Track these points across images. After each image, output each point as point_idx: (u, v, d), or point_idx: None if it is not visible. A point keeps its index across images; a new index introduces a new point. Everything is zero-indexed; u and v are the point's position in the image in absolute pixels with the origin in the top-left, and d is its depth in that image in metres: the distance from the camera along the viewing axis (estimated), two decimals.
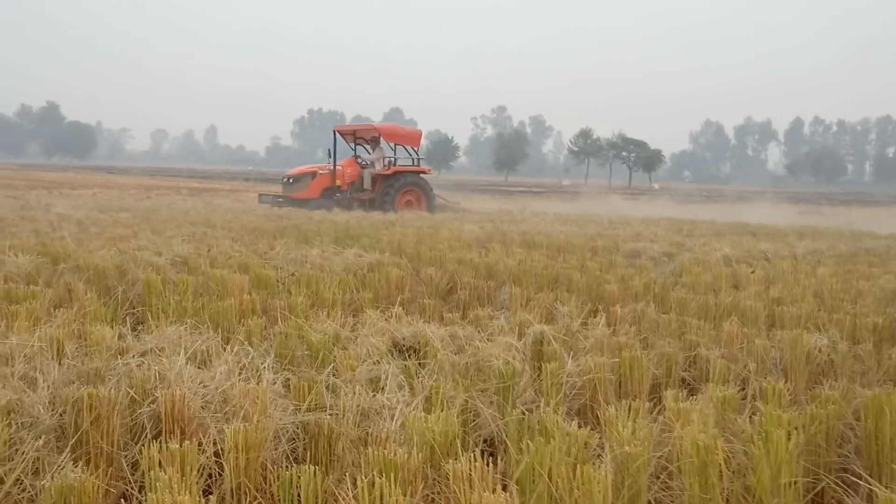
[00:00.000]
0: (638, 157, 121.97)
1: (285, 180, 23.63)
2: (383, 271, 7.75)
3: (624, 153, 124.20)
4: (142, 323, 5.84)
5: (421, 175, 23.75)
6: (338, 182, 22.70)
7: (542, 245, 11.79)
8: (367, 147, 24.25)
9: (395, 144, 23.89)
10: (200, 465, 3.07)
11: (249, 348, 4.51)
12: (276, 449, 3.43)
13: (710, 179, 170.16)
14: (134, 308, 6.35)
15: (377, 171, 23.23)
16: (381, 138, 23.81)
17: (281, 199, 22.59)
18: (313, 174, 22.87)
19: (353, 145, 24.53)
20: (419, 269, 8.65)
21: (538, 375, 4.41)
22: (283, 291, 6.88)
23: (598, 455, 3.14)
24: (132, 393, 3.68)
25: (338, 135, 24.04)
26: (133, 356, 4.35)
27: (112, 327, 5.04)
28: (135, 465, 3.38)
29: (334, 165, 22.83)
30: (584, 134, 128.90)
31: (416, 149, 24.25)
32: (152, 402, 3.62)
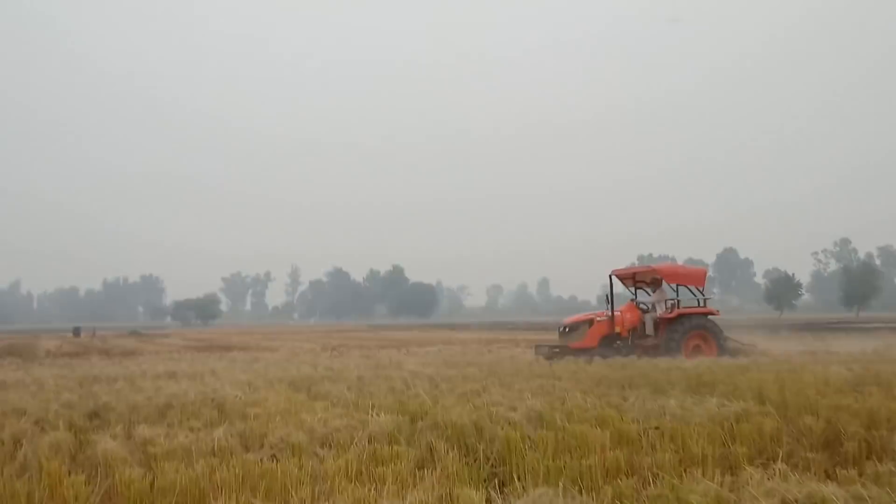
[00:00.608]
0: None
1: (562, 329, 22.44)
2: (753, 421, 6.99)
3: None
4: (505, 484, 5.61)
5: (708, 317, 21.90)
6: (617, 329, 21.44)
7: None
8: (648, 290, 23.07)
9: (678, 285, 22.57)
10: None
11: None
12: None
13: None
14: (494, 467, 6.16)
15: (660, 315, 21.85)
16: (662, 280, 22.45)
17: (557, 350, 21.51)
18: (590, 321, 21.71)
19: (632, 289, 23.45)
20: (791, 417, 7.74)
21: None
22: (646, 447, 6.37)
23: None
24: None
25: (615, 279, 22.87)
26: None
27: (478, 490, 4.82)
28: None
29: (612, 311, 21.64)
30: None
31: (700, 288, 22.68)
32: None
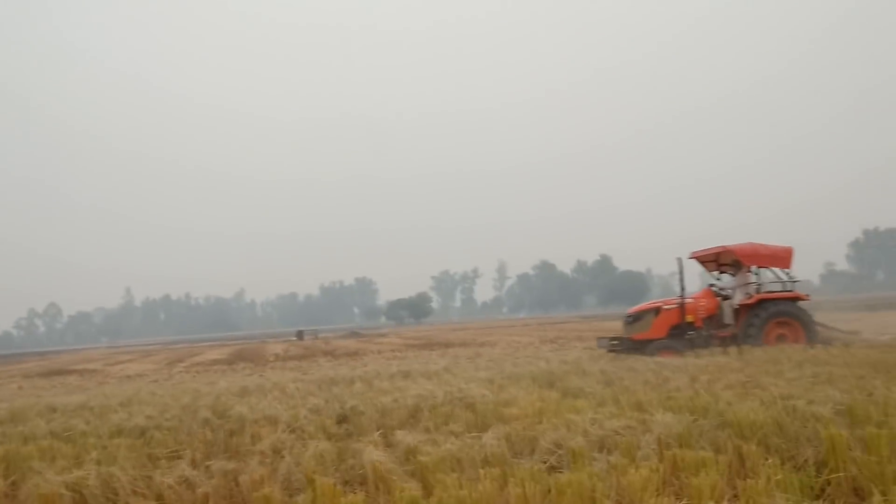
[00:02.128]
0: None
1: (627, 319, 20.41)
2: None
3: None
4: (859, 499, 4.63)
5: (796, 302, 19.20)
6: (689, 318, 19.27)
7: None
8: (732, 273, 20.58)
9: (758, 267, 19.91)
10: None
11: None
12: None
13: None
14: (819, 474, 5.16)
15: (739, 302, 19.51)
16: (741, 262, 19.90)
17: (616, 342, 19.84)
18: (657, 310, 19.67)
19: (716, 273, 21.04)
20: None
21: None
22: None
23: None
24: None
25: (697, 262, 20.86)
26: None
27: None
28: None
29: (682, 298, 19.51)
30: None
31: (786, 270, 19.83)
32: None
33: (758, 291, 19.52)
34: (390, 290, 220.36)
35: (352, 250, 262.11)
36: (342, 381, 14.88)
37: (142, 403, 12.78)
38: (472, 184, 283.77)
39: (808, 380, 9.75)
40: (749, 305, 19.12)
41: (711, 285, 20.51)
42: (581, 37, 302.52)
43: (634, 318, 19.93)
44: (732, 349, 16.80)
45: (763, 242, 20.08)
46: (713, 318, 19.58)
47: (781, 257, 19.99)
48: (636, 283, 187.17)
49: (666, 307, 19.66)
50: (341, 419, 9.14)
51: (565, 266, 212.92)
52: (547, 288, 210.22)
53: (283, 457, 6.63)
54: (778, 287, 19.61)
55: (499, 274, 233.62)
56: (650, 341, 18.92)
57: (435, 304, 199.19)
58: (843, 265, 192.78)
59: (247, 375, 23.84)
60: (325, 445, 6.76)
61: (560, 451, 6.06)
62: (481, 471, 5.25)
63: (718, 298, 19.93)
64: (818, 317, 19.85)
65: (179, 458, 7.20)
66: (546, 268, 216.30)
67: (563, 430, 6.63)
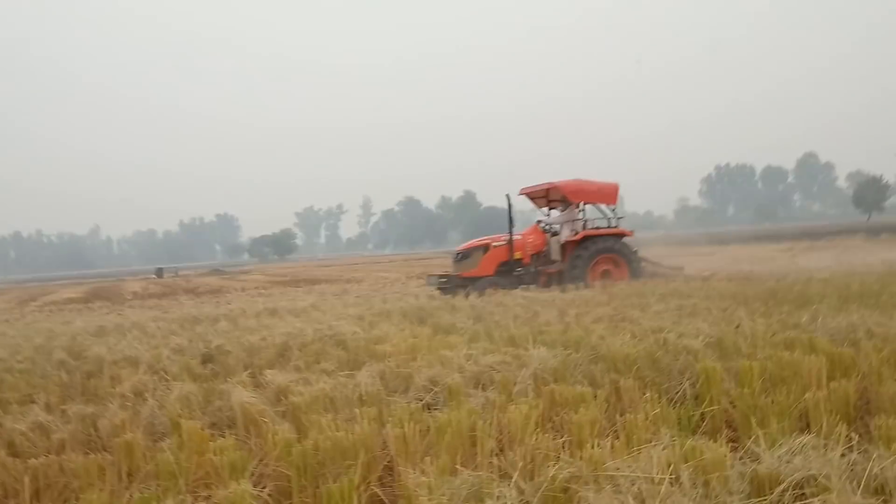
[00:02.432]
0: None
1: (456, 257, 20.07)
2: None
3: None
4: (733, 431, 4.70)
5: (621, 238, 19.32)
6: (517, 254, 19.36)
7: None
8: (561, 210, 20.66)
9: (584, 203, 19.96)
10: None
11: None
12: None
13: None
14: (696, 407, 5.23)
15: (565, 238, 19.60)
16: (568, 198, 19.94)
17: (444, 280, 19.67)
18: (485, 247, 19.58)
19: (546, 210, 21.06)
20: None
21: None
22: (871, 374, 5.37)
23: None
24: None
25: (526, 198, 21.12)
26: (787, 489, 3.18)
27: (715, 441, 3.90)
28: None
29: (511, 235, 19.54)
30: None
31: (612, 207, 20.02)
32: None
33: (584, 228, 19.58)
34: (253, 226, 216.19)
35: (213, 184, 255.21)
36: (206, 320, 14.37)
37: None
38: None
39: (673, 313, 10.00)
40: (575, 242, 19.18)
41: (539, 221, 20.46)
42: None
43: (463, 256, 19.72)
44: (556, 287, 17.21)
45: (589, 179, 20.04)
46: (541, 255, 19.67)
47: (607, 193, 20.03)
48: (500, 218, 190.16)
49: (495, 244, 19.58)
50: (206, 359, 8.76)
51: (430, 202, 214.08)
52: (412, 224, 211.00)
53: (145, 399, 6.25)
54: (604, 224, 19.75)
55: (363, 210, 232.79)
56: (479, 279, 18.82)
57: (299, 241, 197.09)
58: (696, 200, 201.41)
59: (104, 315, 22.78)
60: (190, 387, 6.40)
61: (436, 389, 5.94)
62: (357, 411, 5.07)
63: (546, 235, 19.95)
64: (647, 252, 20.21)
65: (33, 402, 6.71)
66: (411, 204, 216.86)
67: (437, 367, 6.50)
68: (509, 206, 19.51)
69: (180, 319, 14.81)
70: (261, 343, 9.32)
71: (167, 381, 7.19)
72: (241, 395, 5.86)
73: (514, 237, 19.49)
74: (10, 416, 6.02)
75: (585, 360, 6.56)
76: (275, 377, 6.66)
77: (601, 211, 20.03)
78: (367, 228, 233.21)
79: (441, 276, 19.93)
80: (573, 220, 19.85)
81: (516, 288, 17.49)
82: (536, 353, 6.48)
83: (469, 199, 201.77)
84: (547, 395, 5.24)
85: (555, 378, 6.01)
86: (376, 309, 13.96)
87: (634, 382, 5.43)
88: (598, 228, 19.55)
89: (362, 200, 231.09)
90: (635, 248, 19.38)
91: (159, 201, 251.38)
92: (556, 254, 19.57)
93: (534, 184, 20.72)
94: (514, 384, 5.85)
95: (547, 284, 18.42)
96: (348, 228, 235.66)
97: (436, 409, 5.49)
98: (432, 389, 5.97)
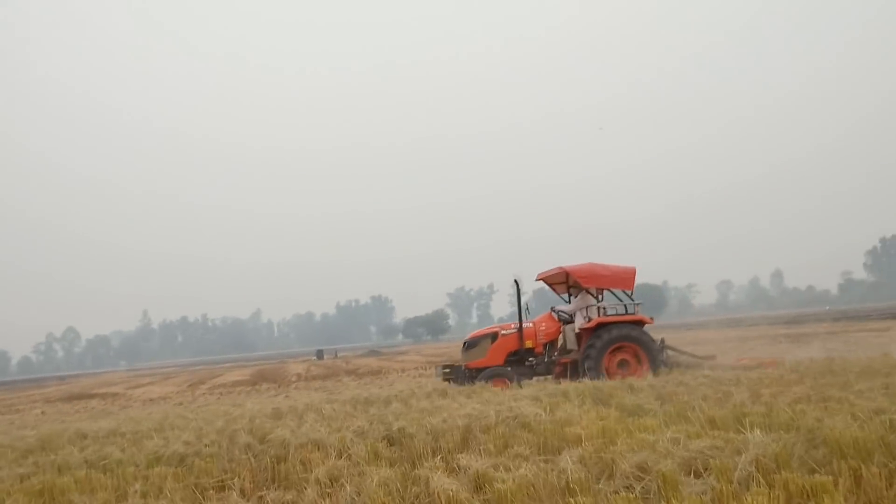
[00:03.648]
0: None
1: (464, 346, 19.07)
2: None
3: None
4: None
5: (640, 325, 17.92)
6: (528, 343, 18.27)
7: None
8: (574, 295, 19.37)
9: (597, 289, 18.48)
10: None
11: None
12: None
13: None
14: None
15: (580, 326, 18.27)
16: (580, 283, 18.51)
17: (448, 370, 18.66)
18: (494, 335, 18.56)
19: (565, 295, 19.77)
20: None
21: None
22: None
23: None
24: None
25: (545, 283, 19.94)
26: None
27: None
28: None
29: (520, 323, 18.49)
30: None
31: (628, 292, 18.58)
32: None
33: (605, 314, 18.15)
34: (406, 307, 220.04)
35: (367, 269, 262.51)
36: (377, 401, 14.38)
37: (175, 428, 12.31)
38: (486, 205, 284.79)
39: (879, 391, 9.21)
40: (587, 330, 17.98)
41: (553, 308, 19.50)
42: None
43: (470, 345, 18.80)
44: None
45: (604, 263, 18.72)
46: (553, 345, 18.77)
47: (623, 278, 18.66)
48: (653, 295, 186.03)
49: (503, 332, 18.68)
50: (391, 442, 8.66)
51: None
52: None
53: (342, 486, 6.13)
54: (621, 310, 18.28)
55: (513, 290, 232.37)
56: (486, 369, 17.96)
57: (452, 321, 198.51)
58: (860, 274, 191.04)
59: (272, 396, 23.40)
60: (385, 472, 6.26)
61: (646, 477, 5.55)
62: (570, 500, 4.76)
63: (560, 322, 18.97)
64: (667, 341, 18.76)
65: (228, 488, 6.72)
66: None
67: (643, 452, 6.11)
68: (518, 292, 18.76)
69: (352, 401, 14.87)
70: (443, 425, 9.12)
71: (358, 465, 7.07)
72: (440, 481, 5.66)
73: (525, 325, 18.57)
74: (209, 503, 6.02)
75: (805, 445, 6.02)
76: (470, 462, 6.43)
77: (616, 297, 18.76)
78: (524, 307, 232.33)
79: (445, 367, 19.01)
80: (587, 307, 18.56)
81: (530, 378, 17.05)
82: (752, 438, 5.99)
83: None
84: (780, 484, 4.77)
85: (777, 464, 5.50)
86: (550, 388, 13.57)
87: (879, 471, 4.88)
88: (612, 315, 18.10)
89: (512, 280, 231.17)
90: (662, 339, 18.35)
91: (317, 286, 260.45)
92: (571, 343, 18.61)
93: (549, 269, 19.65)
94: (734, 471, 5.39)
95: (562, 375, 17.52)
96: (499, 308, 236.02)
97: (647, 497, 5.10)
98: (642, 477, 5.58)
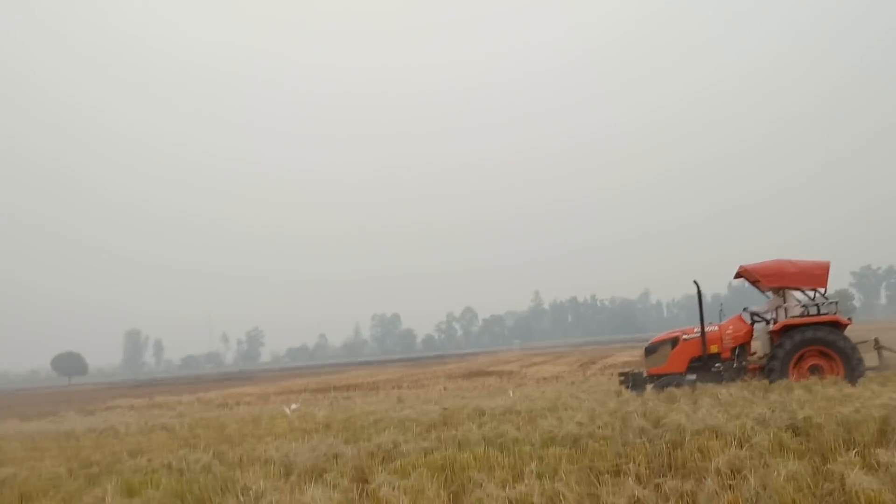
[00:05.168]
0: None
1: (645, 351, 18.11)
2: None
3: None
4: None
5: (834, 327, 15.97)
6: (713, 348, 16.82)
7: None
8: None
9: (783, 288, 16.87)
10: None
11: None
12: None
13: None
14: None
15: (771, 328, 16.67)
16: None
17: (622, 378, 17.77)
18: (674, 341, 17.28)
19: (768, 293, 17.73)
20: None
21: None
22: None
23: None
24: None
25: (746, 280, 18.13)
26: None
27: None
28: None
29: (702, 327, 16.98)
30: None
31: (821, 290, 16.61)
32: None
33: (804, 315, 16.35)
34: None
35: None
36: (776, 387, 13.53)
37: (567, 409, 12.52)
38: None
39: None
40: (775, 332, 16.34)
41: (745, 309, 17.68)
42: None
43: (650, 351, 17.93)
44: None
45: (793, 259, 16.91)
46: (742, 349, 17.03)
47: (815, 275, 16.80)
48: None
49: (685, 337, 17.36)
50: (795, 432, 8.00)
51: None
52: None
53: (744, 478, 5.72)
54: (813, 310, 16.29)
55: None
56: (666, 376, 16.73)
57: (857, 302, 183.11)
58: None
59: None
60: (793, 465, 5.72)
61: None
62: None
63: (751, 325, 17.13)
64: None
65: (623, 473, 6.60)
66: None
67: None
68: (699, 293, 17.75)
69: (751, 387, 14.10)
70: (856, 416, 8.25)
71: (762, 456, 6.58)
72: (857, 479, 5.05)
73: (709, 329, 17.19)
74: (605, 488, 5.93)
75: None
76: (891, 458, 5.69)
77: (806, 295, 16.81)
78: None
79: (622, 374, 18.23)
80: (779, 308, 17.03)
81: (717, 384, 15.50)
82: None
83: None
84: None
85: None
86: None
87: None
88: (801, 316, 16.45)
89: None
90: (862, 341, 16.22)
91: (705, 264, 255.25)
92: (766, 346, 17.10)
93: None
94: None
95: (751, 379, 15.84)
96: None
97: None
98: None
